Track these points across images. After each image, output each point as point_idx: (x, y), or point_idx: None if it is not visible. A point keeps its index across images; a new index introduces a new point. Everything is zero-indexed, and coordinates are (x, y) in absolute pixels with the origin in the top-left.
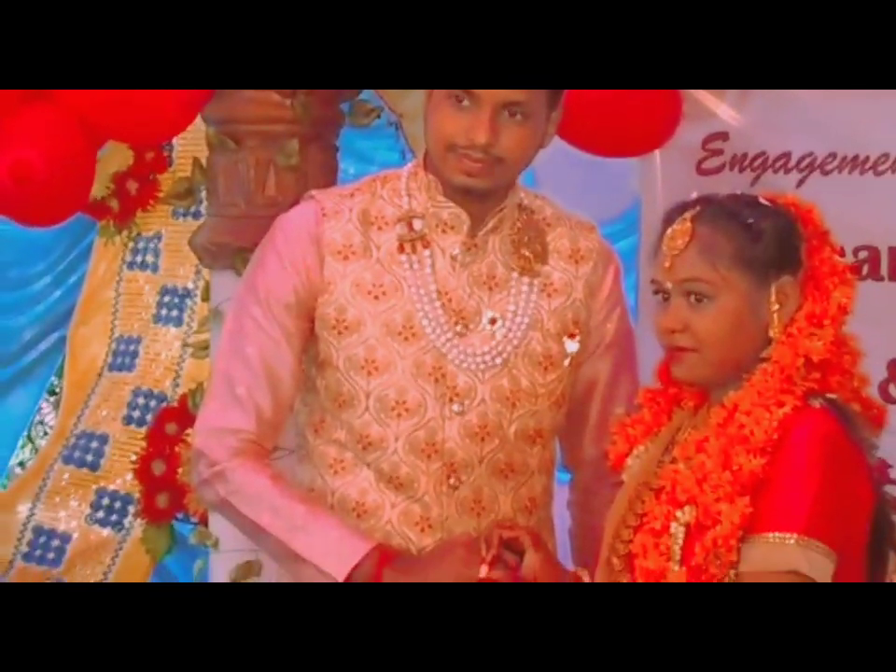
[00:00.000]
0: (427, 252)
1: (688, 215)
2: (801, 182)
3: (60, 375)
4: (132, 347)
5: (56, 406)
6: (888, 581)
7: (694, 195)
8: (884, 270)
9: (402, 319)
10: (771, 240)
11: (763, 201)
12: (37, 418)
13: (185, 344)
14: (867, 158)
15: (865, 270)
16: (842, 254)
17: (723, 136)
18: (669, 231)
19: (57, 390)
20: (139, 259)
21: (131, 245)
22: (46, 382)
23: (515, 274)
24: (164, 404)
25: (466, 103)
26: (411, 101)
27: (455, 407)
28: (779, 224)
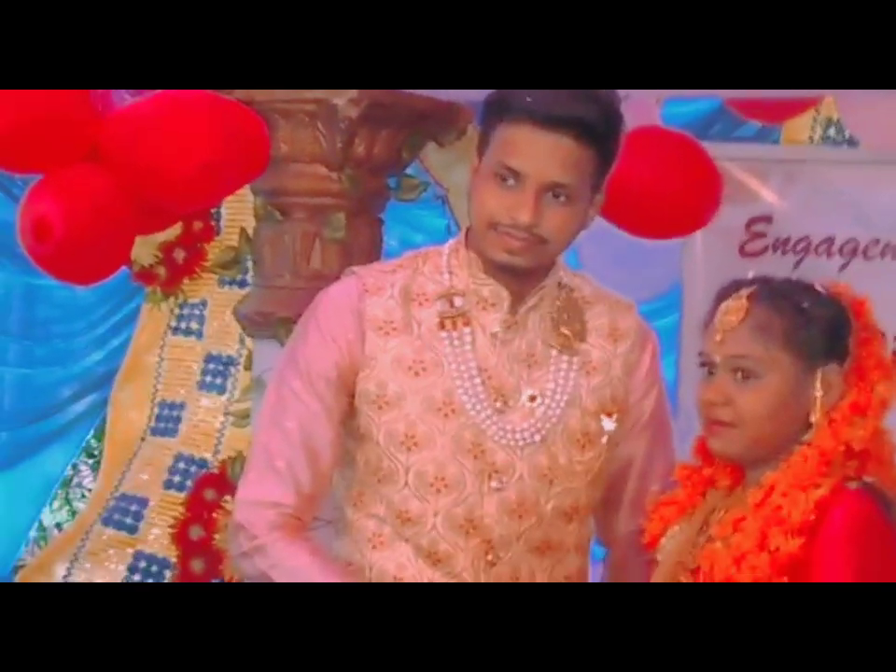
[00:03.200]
0: (467, 329)
1: (744, 292)
2: (843, 266)
3: (98, 438)
4: (175, 413)
5: (94, 469)
6: None
7: (751, 274)
8: None
9: (443, 396)
10: (823, 327)
11: (818, 287)
12: (76, 480)
13: (226, 413)
14: None
15: None
16: (886, 347)
17: (767, 219)
18: (724, 305)
19: (96, 453)
20: (184, 325)
21: (176, 311)
22: (81, 442)
23: (555, 352)
24: (204, 470)
25: (511, 182)
26: (457, 174)
27: (494, 483)
28: (832, 313)
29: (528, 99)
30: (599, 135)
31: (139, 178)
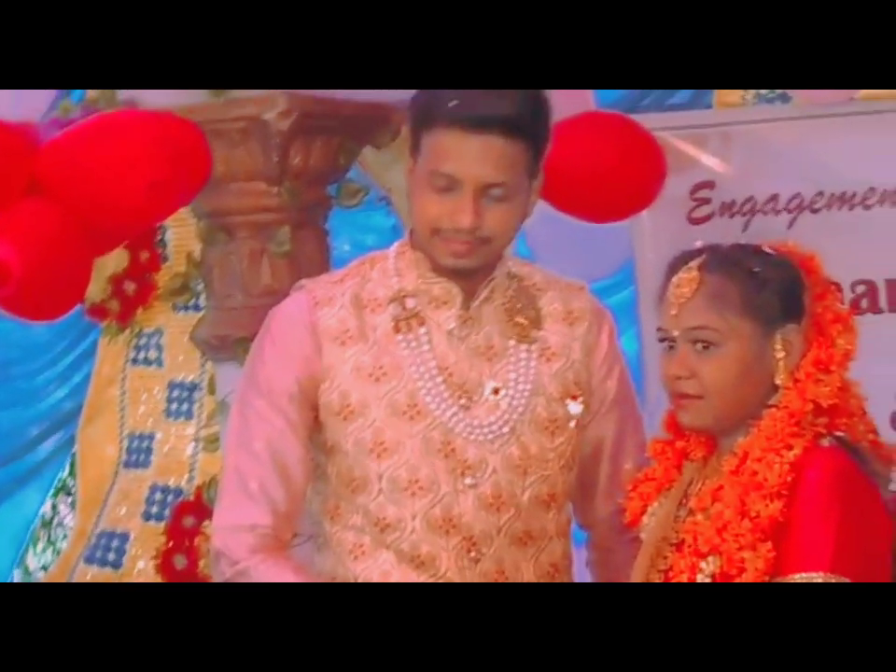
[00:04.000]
0: (423, 329)
1: (694, 263)
2: (792, 223)
3: (73, 475)
4: (145, 443)
5: (74, 506)
6: None
7: (699, 244)
8: (882, 303)
9: (406, 399)
10: (777, 289)
11: (767, 249)
12: (57, 520)
13: (196, 438)
14: (854, 193)
15: (864, 304)
16: (842, 299)
17: (710, 185)
18: (675, 279)
19: (73, 490)
20: (142, 355)
21: (133, 342)
22: (55, 480)
23: (512, 342)
24: (181, 498)
25: (447, 187)
26: (397, 174)
27: (468, 480)
28: (784, 273)
29: (452, 104)
30: (527, 126)
31: (86, 205)
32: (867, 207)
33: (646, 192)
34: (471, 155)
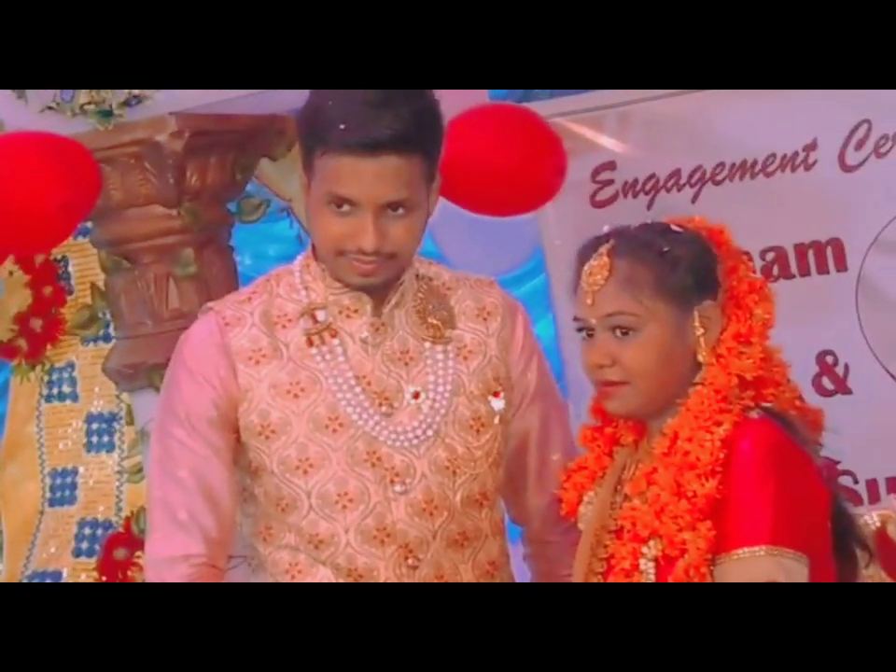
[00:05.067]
0: (336, 341)
1: (603, 249)
2: (696, 197)
3: None
4: (68, 479)
5: None
6: (860, 579)
7: (606, 228)
8: (793, 268)
9: (326, 412)
10: (688, 266)
11: (675, 227)
12: None
13: (119, 470)
14: (755, 161)
15: (776, 270)
16: (754, 269)
17: (611, 166)
18: (587, 267)
19: None
20: (56, 390)
21: (45, 378)
22: None
23: (428, 344)
24: (111, 531)
25: (346, 208)
26: (296, 184)
27: (398, 487)
28: (694, 249)
29: (341, 127)
30: (419, 140)
31: None
32: (769, 174)
33: (547, 184)
34: (367, 178)
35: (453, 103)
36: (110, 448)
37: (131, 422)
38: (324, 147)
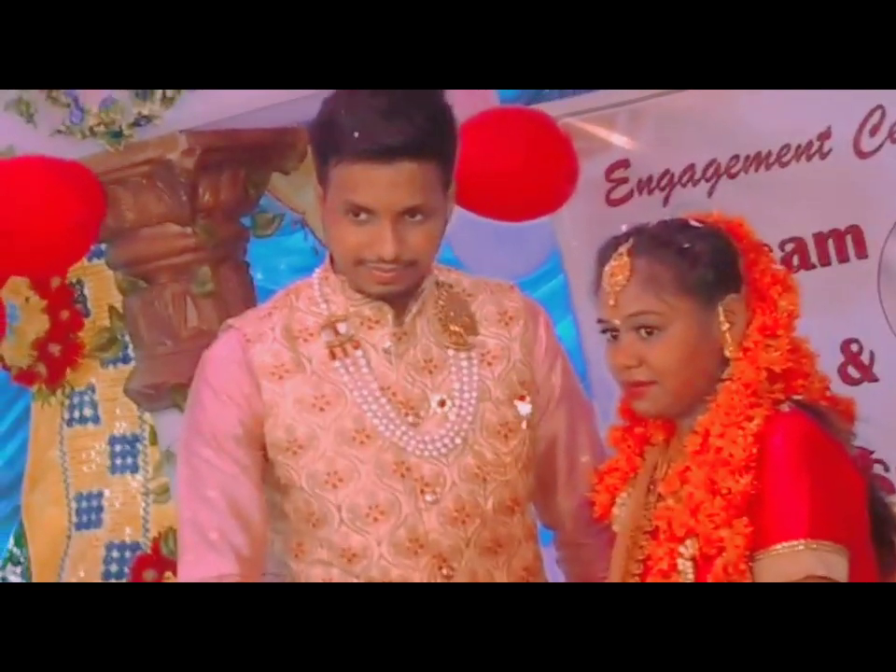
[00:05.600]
0: (359, 352)
1: (623, 249)
2: (711, 191)
3: (20, 544)
4: (94, 503)
5: (25, 576)
6: None
7: (625, 228)
8: (813, 258)
9: (353, 424)
10: (709, 261)
11: (693, 223)
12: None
13: (145, 492)
14: (769, 152)
15: (796, 261)
16: (775, 260)
17: (624, 164)
18: (608, 267)
19: (21, 560)
20: (77, 414)
21: (66, 402)
22: (2, 552)
23: (451, 352)
24: (139, 553)
25: (363, 216)
26: (309, 196)
27: (429, 497)
28: (714, 244)
29: (355, 136)
30: (433, 143)
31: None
32: (784, 165)
33: (558, 190)
34: (383, 185)
35: (462, 103)
36: (134, 469)
37: (154, 442)
38: (338, 156)
